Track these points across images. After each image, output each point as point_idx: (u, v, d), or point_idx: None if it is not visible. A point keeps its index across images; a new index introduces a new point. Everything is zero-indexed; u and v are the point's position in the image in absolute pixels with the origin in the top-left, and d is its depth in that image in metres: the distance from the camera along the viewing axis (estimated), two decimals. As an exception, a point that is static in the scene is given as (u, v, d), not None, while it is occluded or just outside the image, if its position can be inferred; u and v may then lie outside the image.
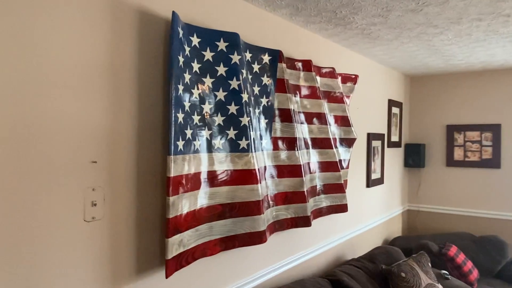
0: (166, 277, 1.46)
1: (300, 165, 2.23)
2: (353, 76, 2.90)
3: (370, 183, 3.42)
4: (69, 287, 1.28)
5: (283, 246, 2.34)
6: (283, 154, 2.18)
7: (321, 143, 2.51)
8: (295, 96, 2.31)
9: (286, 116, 2.17)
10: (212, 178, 1.75)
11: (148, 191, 1.54)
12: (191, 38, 1.64)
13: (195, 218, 1.66)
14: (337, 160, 2.62)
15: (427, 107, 4.29)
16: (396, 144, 4.02)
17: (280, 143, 2.17)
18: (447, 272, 3.10)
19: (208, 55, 1.71)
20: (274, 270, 2.24)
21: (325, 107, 2.54)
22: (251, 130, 1.87)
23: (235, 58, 1.78)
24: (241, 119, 1.82)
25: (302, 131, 2.36)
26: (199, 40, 1.67)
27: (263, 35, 2.13)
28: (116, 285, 1.42)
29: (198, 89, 1.67)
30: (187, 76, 1.60)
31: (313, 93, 2.41)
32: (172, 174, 1.49)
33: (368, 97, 3.39)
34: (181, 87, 1.55)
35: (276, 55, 2.08)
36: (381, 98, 3.66)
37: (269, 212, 2.11)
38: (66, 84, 1.26)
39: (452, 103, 4.12)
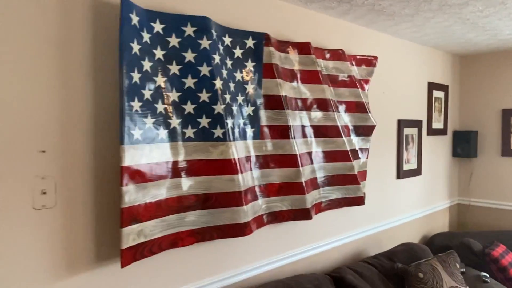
0: (122, 267, 1.45)
1: (296, 154, 2.10)
2: (371, 58, 2.66)
3: (401, 174, 3.14)
4: (17, 274, 1.33)
5: (284, 239, 2.24)
6: (275, 143, 2.07)
7: (327, 131, 2.34)
8: (292, 82, 2.17)
9: (276, 103, 2.05)
10: (183, 168, 1.71)
11: (107, 180, 1.54)
12: (152, 24, 1.60)
13: (160, 209, 1.63)
14: (348, 149, 2.43)
15: (479, 90, 3.82)
16: (440, 132, 3.65)
17: (270, 131, 2.05)
18: (487, 275, 2.76)
19: (174, 41, 1.66)
20: (271, 263, 2.15)
21: (330, 92, 2.36)
22: (227, 118, 1.79)
23: (205, 43, 1.71)
24: (214, 106, 1.75)
25: (302, 118, 2.22)
26: (162, 26, 1.63)
27: (258, 18, 2.02)
28: (72, 273, 1.45)
29: (163, 76, 1.63)
30: (146, 64, 1.56)
31: (314, 78, 2.25)
32: (125, 163, 1.47)
33: (399, 80, 3.10)
34: (136, 75, 1.52)
35: (262, 38, 1.97)
36: (418, 81, 3.33)
37: (258, 204, 2.02)
38: (12, 72, 1.29)
39: (509, 85, 3.62)
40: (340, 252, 2.60)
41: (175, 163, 1.68)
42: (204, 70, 1.72)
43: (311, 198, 2.27)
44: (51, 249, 1.40)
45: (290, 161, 2.12)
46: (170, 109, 1.66)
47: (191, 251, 1.82)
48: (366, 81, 2.68)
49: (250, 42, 1.95)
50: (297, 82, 2.21)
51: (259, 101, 2.01)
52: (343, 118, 2.50)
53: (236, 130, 1.88)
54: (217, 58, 1.76)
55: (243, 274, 2.02)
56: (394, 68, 3.04)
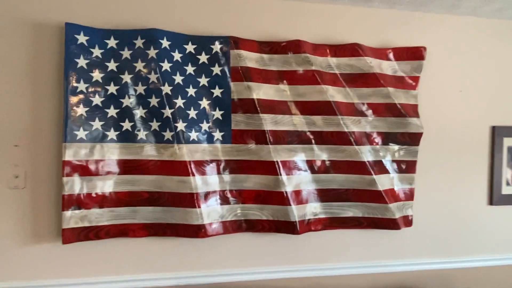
0: (63, 243, 1.77)
1: (274, 161, 1.97)
2: (415, 49, 2.16)
3: (496, 199, 2.36)
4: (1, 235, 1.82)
5: (262, 251, 2.10)
6: (248, 149, 2.00)
7: (332, 138, 2.06)
8: (278, 84, 2.03)
9: (248, 106, 1.97)
10: (134, 166, 1.90)
11: (68, 172, 1.89)
12: (106, 41, 1.85)
13: (108, 200, 1.86)
14: (365, 160, 2.07)
15: None
16: None
17: (244, 136, 1.99)
18: None
19: (126, 53, 1.87)
20: (238, 274, 2.07)
21: (337, 93, 2.06)
22: (177, 121, 1.88)
23: (152, 52, 1.85)
24: (163, 111, 1.87)
25: (293, 123, 2.04)
26: (116, 41, 1.87)
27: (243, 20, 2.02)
28: (37, 240, 1.86)
29: (116, 85, 1.87)
30: (97, 75, 1.83)
31: (308, 78, 2.03)
32: (66, 158, 1.78)
33: (487, 74, 2.35)
34: (83, 85, 1.81)
35: (228, 42, 1.94)
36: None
37: (227, 209, 2.00)
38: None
39: None
40: (368, 280, 2.20)
41: (126, 161, 1.89)
42: (152, 77, 1.86)
43: (303, 211, 2.05)
44: (21, 220, 1.84)
45: (267, 168, 1.99)
46: (123, 113, 1.88)
47: (152, 244, 1.98)
48: (414, 79, 2.18)
49: (216, 47, 1.95)
50: (286, 84, 2.04)
51: (229, 105, 1.98)
52: (365, 124, 2.12)
53: (194, 134, 1.93)
54: (166, 66, 1.87)
55: (209, 277, 2.03)
56: (475, 58, 2.32)
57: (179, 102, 1.90)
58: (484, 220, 2.36)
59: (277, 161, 1.99)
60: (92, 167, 1.83)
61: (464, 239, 2.33)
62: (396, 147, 2.16)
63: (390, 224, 2.14)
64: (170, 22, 1.95)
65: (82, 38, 1.80)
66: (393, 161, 2.17)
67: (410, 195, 2.21)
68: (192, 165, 1.90)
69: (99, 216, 1.86)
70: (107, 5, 1.90)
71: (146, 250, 1.97)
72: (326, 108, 2.04)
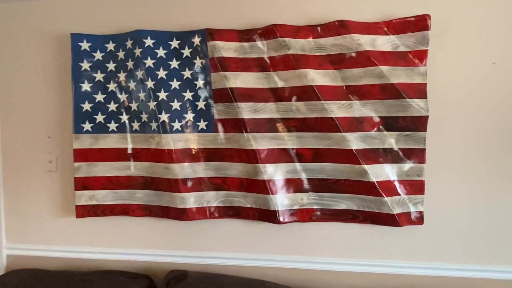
0: (76, 217, 2.15)
1: (254, 150, 1.99)
2: (417, 18, 1.85)
3: (550, 197, 1.86)
4: (40, 205, 2.30)
5: (249, 238, 2.11)
6: (228, 137, 2.04)
7: (317, 125, 1.95)
8: (262, 71, 2.00)
9: (225, 96, 2.02)
10: (131, 154, 2.15)
11: (85, 158, 2.26)
12: (106, 45, 2.13)
13: (112, 183, 2.16)
14: (353, 148, 1.90)
15: None
16: None
17: (224, 125, 2.05)
18: None
19: (121, 54, 2.12)
20: (225, 258, 2.13)
21: (315, 77, 1.92)
22: (160, 113, 2.05)
23: (137, 51, 2.05)
24: (149, 104, 2.07)
25: (275, 110, 2.00)
26: (114, 44, 2.13)
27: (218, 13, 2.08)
28: (63, 214, 2.28)
29: (114, 83, 2.14)
30: (99, 76, 2.13)
31: (287, 63, 1.95)
32: (75, 147, 2.13)
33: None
34: (87, 85, 2.13)
35: (204, 34, 2.01)
36: None
37: (212, 195, 2.09)
38: (33, 88, 2.27)
39: None
40: (370, 280, 2.01)
41: (124, 149, 2.15)
42: (139, 74, 2.07)
43: (286, 200, 2.00)
44: (53, 197, 2.29)
45: (246, 156, 2.01)
46: (120, 107, 2.14)
47: (148, 223, 2.21)
48: (420, 53, 1.88)
49: (196, 40, 2.04)
50: (269, 71, 2.00)
51: (210, 95, 2.05)
52: (359, 108, 1.93)
53: (178, 124, 2.07)
54: (149, 62, 2.05)
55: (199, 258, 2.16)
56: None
57: (162, 95, 2.06)
58: (532, 223, 1.89)
59: (256, 150, 1.98)
60: (96, 154, 2.15)
61: (491, 244, 1.90)
62: (396, 133, 1.91)
63: (389, 220, 1.91)
64: (158, 22, 2.13)
65: (85, 45, 2.12)
66: (394, 149, 1.92)
67: (418, 189, 1.92)
68: (175, 153, 2.05)
69: (104, 196, 2.17)
70: (106, 14, 2.17)
71: (144, 227, 2.22)
72: (308, 93, 1.93)
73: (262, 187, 1.99)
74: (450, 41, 1.90)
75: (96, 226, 2.26)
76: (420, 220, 1.93)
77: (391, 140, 1.92)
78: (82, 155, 2.15)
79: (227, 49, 2.01)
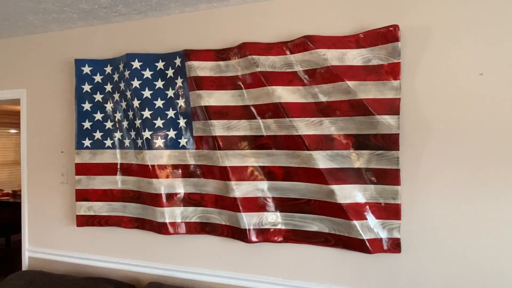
0: (77, 226, 2.35)
1: (225, 167, 2.01)
2: (385, 30, 1.72)
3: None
4: (54, 213, 2.56)
5: (225, 255, 2.09)
6: (204, 154, 2.09)
7: (287, 143, 1.91)
8: (236, 89, 2.02)
9: (201, 114, 2.06)
10: (123, 168, 2.30)
11: (89, 172, 2.46)
12: (105, 68, 2.33)
13: (107, 195, 2.32)
14: (320, 167, 1.83)
15: None
16: None
17: (201, 142, 2.10)
18: None
19: (116, 76, 2.29)
20: (201, 274, 2.13)
21: (282, 94, 1.88)
22: (144, 131, 2.17)
23: (127, 73, 2.21)
24: (135, 122, 2.21)
25: (248, 128, 2.00)
26: (111, 68, 2.32)
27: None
28: (69, 222, 2.50)
29: (110, 103, 2.32)
30: (98, 96, 2.33)
31: (256, 81, 1.94)
32: (76, 161, 2.34)
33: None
34: (88, 105, 2.33)
35: (182, 55, 2.09)
36: None
37: (191, 210, 2.14)
38: (51, 108, 2.56)
39: None
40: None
41: (116, 164, 2.31)
42: (128, 94, 2.22)
43: (257, 219, 1.97)
44: (63, 207, 2.53)
45: (220, 173, 2.03)
46: (116, 125, 2.31)
47: (137, 235, 2.32)
48: (393, 66, 1.75)
49: (178, 61, 2.13)
50: (242, 89, 2.01)
51: (190, 113, 2.12)
52: (329, 125, 1.84)
53: (160, 141, 2.16)
54: (135, 83, 2.19)
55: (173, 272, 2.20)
56: (494, 30, 1.62)
57: (146, 113, 2.17)
58: (532, 259, 1.61)
59: (227, 167, 1.99)
60: (94, 168, 2.33)
61: (480, 276, 1.65)
62: (368, 152, 1.78)
63: (359, 245, 1.78)
64: (150, 45, 2.27)
65: (86, 69, 2.34)
66: (367, 169, 1.79)
67: (394, 213, 1.76)
68: (156, 169, 2.14)
69: (100, 208, 2.34)
70: (106, 40, 2.38)
71: (133, 239, 2.33)
72: (276, 110, 1.90)
73: (233, 204, 1.98)
74: (430, 53, 1.73)
75: (94, 235, 2.43)
76: (396, 247, 1.76)
77: (363, 160, 1.79)
78: (83, 169, 2.35)
79: (202, 68, 2.07)
